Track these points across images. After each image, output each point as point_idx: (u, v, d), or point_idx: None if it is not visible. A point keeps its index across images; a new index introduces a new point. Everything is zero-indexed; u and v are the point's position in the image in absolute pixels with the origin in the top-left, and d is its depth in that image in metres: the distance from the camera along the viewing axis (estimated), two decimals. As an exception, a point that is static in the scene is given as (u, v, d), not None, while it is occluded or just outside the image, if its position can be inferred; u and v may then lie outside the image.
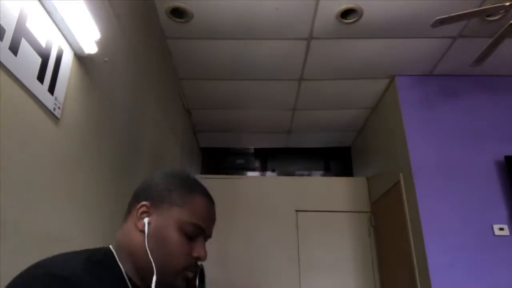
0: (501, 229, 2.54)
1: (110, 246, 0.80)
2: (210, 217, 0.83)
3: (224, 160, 4.66)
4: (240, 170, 4.59)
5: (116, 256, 0.77)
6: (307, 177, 4.34)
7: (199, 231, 0.79)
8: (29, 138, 1.06)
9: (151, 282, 0.74)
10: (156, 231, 0.77)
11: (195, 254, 0.78)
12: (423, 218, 2.58)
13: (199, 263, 0.83)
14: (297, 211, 3.67)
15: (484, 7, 2.11)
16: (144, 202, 0.80)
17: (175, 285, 0.77)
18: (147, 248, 0.75)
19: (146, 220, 0.77)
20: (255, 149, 4.66)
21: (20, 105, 1.02)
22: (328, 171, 4.67)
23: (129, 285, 0.75)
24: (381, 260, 3.41)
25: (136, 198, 0.82)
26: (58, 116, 1.20)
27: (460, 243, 2.51)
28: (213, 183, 3.79)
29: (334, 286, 3.41)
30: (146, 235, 0.76)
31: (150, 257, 0.74)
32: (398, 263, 2.98)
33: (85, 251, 0.75)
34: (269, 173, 4.65)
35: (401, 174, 2.91)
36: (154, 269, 0.74)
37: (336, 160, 4.67)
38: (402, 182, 2.88)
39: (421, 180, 2.69)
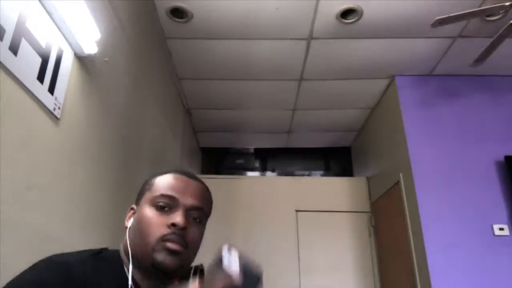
0: (501, 229, 2.54)
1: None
2: (180, 186, 0.81)
3: (224, 160, 4.66)
4: (240, 170, 4.59)
5: (121, 256, 0.81)
6: (307, 177, 4.34)
7: (170, 200, 0.79)
8: (29, 138, 1.06)
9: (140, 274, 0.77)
10: (134, 220, 0.82)
11: (169, 222, 0.77)
12: (423, 218, 2.58)
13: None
14: (297, 211, 3.66)
15: (484, 7, 2.11)
16: (132, 206, 0.87)
17: (155, 259, 0.75)
18: (127, 238, 0.80)
19: (132, 218, 0.84)
20: (255, 149, 4.66)
21: (20, 105, 1.02)
22: (328, 171, 4.68)
23: (130, 281, 0.76)
24: (381, 260, 3.41)
25: None
26: (58, 116, 1.20)
27: (460, 243, 2.51)
28: (213, 183, 3.78)
29: (334, 286, 3.41)
30: (128, 228, 0.82)
31: (128, 244, 0.79)
32: (398, 263, 2.98)
33: (95, 249, 0.80)
34: (269, 173, 4.65)
35: (401, 174, 2.91)
36: (130, 257, 0.77)
37: (336, 160, 4.67)
38: (402, 182, 2.88)
39: (421, 180, 2.69)
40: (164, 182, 0.82)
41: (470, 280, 2.42)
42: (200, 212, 0.82)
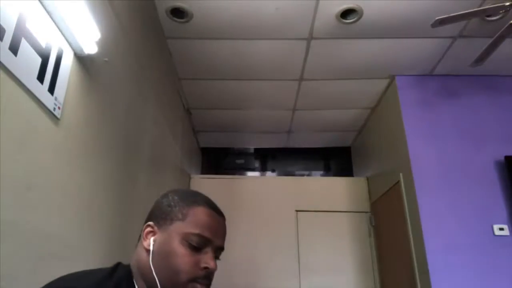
0: (501, 229, 2.54)
1: (130, 265, 0.83)
2: (214, 227, 0.82)
3: (224, 160, 4.65)
4: (240, 170, 4.59)
5: (133, 276, 0.80)
6: (307, 177, 4.34)
7: (204, 241, 0.80)
8: (29, 138, 1.06)
9: None
10: (160, 247, 0.79)
11: (202, 265, 0.78)
12: (423, 218, 2.58)
13: None
14: (297, 211, 3.67)
15: (484, 7, 2.10)
16: (149, 223, 0.83)
17: None
18: (151, 265, 0.77)
19: (151, 239, 0.80)
20: (255, 149, 4.65)
21: (20, 105, 1.02)
22: (328, 171, 4.67)
23: None
24: (381, 260, 3.41)
25: (146, 221, 0.85)
26: (58, 116, 1.20)
27: (460, 243, 2.51)
28: (213, 183, 3.80)
29: (334, 286, 3.41)
30: (151, 252, 0.79)
31: (154, 274, 0.76)
32: (398, 263, 2.98)
33: (105, 268, 0.78)
34: (269, 173, 4.65)
35: (401, 174, 2.91)
36: (158, 285, 0.76)
37: (336, 160, 4.67)
38: (402, 182, 2.88)
39: (421, 180, 2.69)
40: (201, 220, 0.81)
41: (470, 280, 2.42)
42: (222, 251, 0.85)
